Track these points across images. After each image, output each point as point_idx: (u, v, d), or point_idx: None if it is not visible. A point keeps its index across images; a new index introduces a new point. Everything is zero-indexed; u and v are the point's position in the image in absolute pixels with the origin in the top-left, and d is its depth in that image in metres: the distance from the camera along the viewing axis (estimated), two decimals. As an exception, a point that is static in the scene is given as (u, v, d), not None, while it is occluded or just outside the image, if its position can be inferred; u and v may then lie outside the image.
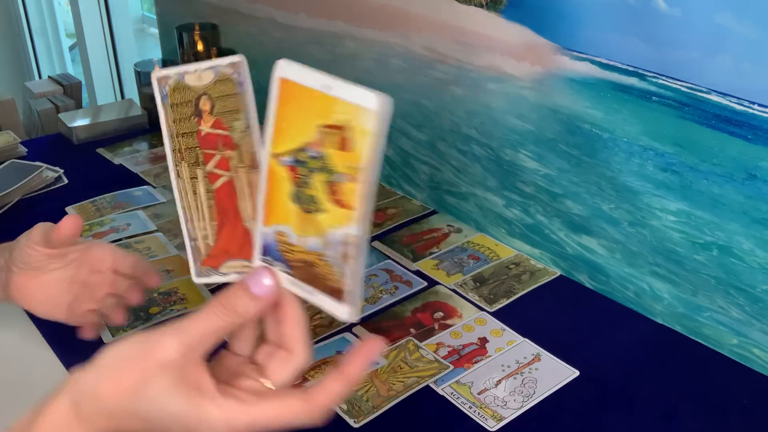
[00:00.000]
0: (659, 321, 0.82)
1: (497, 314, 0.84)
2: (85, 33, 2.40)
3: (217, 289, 0.89)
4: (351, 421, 0.69)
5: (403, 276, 0.91)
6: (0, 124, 1.52)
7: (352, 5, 1.07)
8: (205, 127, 0.50)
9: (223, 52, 1.35)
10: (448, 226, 1.03)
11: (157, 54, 1.62)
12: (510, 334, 0.81)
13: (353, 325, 0.82)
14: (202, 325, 0.47)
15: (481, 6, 0.86)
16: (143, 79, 1.38)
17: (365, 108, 0.41)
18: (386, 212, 1.06)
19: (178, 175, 0.52)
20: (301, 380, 0.73)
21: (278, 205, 0.46)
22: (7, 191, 1.08)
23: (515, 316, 0.83)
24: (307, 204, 0.45)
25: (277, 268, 0.48)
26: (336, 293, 0.45)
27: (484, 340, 0.80)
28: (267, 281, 0.48)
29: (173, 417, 0.45)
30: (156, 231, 1.01)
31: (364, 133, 0.41)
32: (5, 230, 0.79)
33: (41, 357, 0.78)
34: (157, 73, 0.50)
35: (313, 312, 0.84)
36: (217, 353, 0.50)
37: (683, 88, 0.69)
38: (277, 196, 0.46)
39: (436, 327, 0.82)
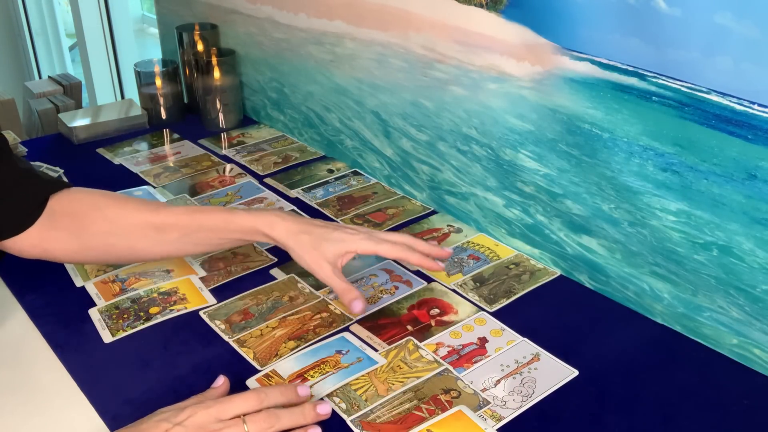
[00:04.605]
0: (659, 321, 0.82)
1: (497, 314, 0.84)
2: (85, 33, 2.40)
3: (218, 287, 0.89)
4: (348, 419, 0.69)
5: (403, 276, 0.91)
6: (0, 124, 1.52)
7: (352, 5, 1.07)
8: None
9: (223, 52, 1.35)
10: (448, 226, 1.03)
11: (157, 54, 1.61)
12: (510, 333, 0.81)
13: (352, 324, 0.82)
14: None
15: (481, 6, 0.86)
16: (143, 79, 1.39)
17: None
18: (386, 212, 1.06)
19: None
20: (302, 380, 0.74)
21: None
22: (7, 191, 1.08)
23: (515, 316, 0.83)
24: None
25: None
26: None
27: (483, 340, 0.80)
28: None
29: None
30: (156, 231, 1.01)
31: None
32: (5, 230, 0.79)
33: (41, 357, 0.78)
34: None
35: (312, 312, 0.84)
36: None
37: (683, 88, 0.69)
38: None
39: (433, 324, 0.82)
